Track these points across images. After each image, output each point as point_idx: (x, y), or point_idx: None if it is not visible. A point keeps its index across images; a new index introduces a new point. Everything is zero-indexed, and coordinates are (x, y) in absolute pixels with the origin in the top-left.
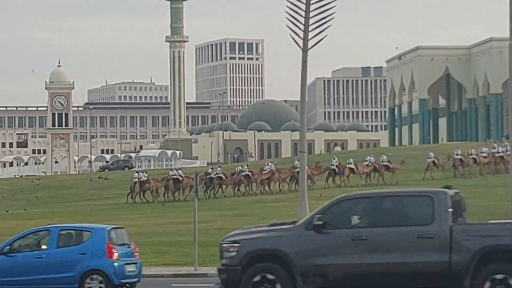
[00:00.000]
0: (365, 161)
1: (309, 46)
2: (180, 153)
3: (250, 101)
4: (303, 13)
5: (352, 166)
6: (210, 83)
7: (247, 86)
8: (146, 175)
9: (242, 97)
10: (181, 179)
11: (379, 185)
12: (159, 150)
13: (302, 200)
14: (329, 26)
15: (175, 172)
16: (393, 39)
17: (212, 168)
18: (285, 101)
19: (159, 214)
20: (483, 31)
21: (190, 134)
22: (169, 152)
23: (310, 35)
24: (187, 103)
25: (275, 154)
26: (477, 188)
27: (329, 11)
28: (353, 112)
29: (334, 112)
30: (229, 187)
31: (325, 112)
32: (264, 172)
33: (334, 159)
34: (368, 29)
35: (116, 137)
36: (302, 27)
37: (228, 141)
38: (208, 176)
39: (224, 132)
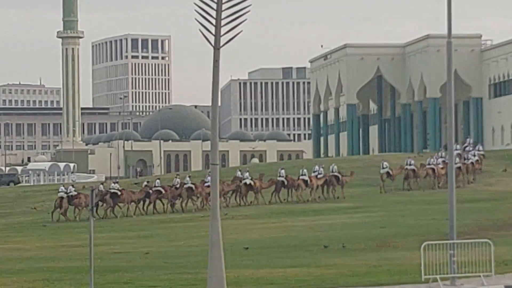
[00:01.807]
0: (314, 171)
1: (221, 43)
2: (74, 166)
3: (155, 106)
4: (214, 6)
5: (306, 178)
6: (109, 86)
7: (152, 89)
8: (74, 189)
9: (146, 102)
10: (77, 195)
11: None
12: (50, 163)
13: (213, 219)
14: (245, 20)
15: (70, 188)
16: (318, 36)
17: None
18: (195, 106)
19: (50, 236)
20: (419, 27)
21: (86, 144)
22: (62, 165)
23: (223, 30)
24: (82, 109)
25: (184, 166)
26: (417, 205)
27: (244, 3)
28: (272, 119)
29: (251, 119)
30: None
31: (241, 119)
32: (207, 184)
33: (282, 169)
34: (290, 24)
35: (0, 147)
36: (213, 21)
37: (130, 152)
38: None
39: (125, 142)
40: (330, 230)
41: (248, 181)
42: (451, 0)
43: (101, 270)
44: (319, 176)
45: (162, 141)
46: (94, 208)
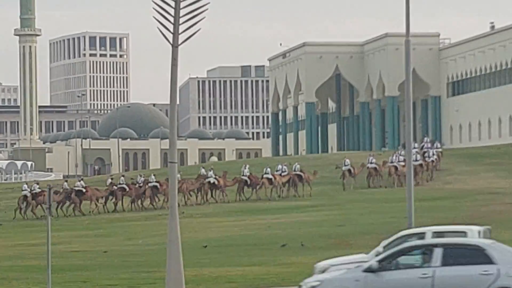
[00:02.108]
0: (277, 170)
1: (180, 41)
2: (32, 164)
3: (114, 104)
4: (173, 4)
5: (270, 176)
6: (66, 84)
7: (110, 87)
8: (38, 186)
9: (104, 100)
10: (40, 192)
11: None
12: (7, 161)
13: (172, 218)
14: (203, 18)
15: (34, 186)
16: (277, 34)
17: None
18: (154, 104)
19: (7, 235)
20: (378, 26)
21: (44, 143)
22: (19, 163)
23: (181, 28)
24: (40, 107)
25: (143, 165)
26: (375, 203)
27: (203, 1)
28: (231, 117)
29: (209, 118)
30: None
31: (199, 117)
32: None
33: (245, 168)
34: (249, 23)
35: None
36: (172, 19)
37: (88, 151)
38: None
39: (83, 140)
40: (289, 228)
41: (212, 180)
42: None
43: (59, 269)
44: (283, 174)
45: (120, 140)
46: (57, 206)
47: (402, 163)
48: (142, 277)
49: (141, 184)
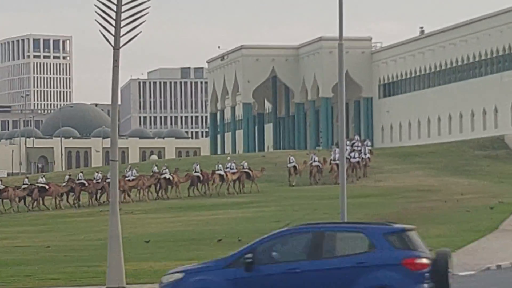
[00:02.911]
0: (226, 167)
1: (121, 44)
2: None
3: (57, 104)
4: (114, 7)
5: (222, 172)
6: (11, 84)
7: (54, 88)
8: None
9: (47, 100)
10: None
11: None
12: None
13: (113, 214)
14: (144, 21)
15: None
16: (216, 37)
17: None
18: (96, 104)
19: None
20: (312, 29)
21: None
22: None
23: (123, 31)
24: None
25: (85, 163)
26: (308, 199)
27: (143, 5)
28: (171, 117)
29: (150, 117)
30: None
31: (140, 117)
32: (128, 178)
33: (197, 165)
34: (188, 26)
35: None
36: (113, 22)
37: (32, 149)
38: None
39: (27, 139)
40: (226, 224)
41: (167, 176)
42: (342, 4)
43: (2, 264)
44: (231, 171)
45: (63, 138)
46: (19, 200)
47: (337, 162)
48: (84, 271)
49: (99, 180)
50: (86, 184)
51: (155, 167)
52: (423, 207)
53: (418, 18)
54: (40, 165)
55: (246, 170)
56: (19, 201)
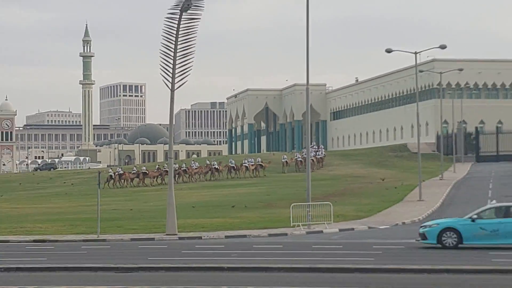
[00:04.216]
0: (245, 162)
1: (175, 87)
2: (88, 159)
3: (136, 124)
4: (171, 65)
5: (247, 164)
6: (109, 112)
7: (134, 113)
8: (121, 170)
9: (130, 121)
10: (123, 173)
11: (259, 178)
12: (74, 157)
13: (170, 190)
14: (189, 73)
15: (118, 169)
16: (231, 83)
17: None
18: (160, 124)
19: (74, 200)
20: (290, 78)
21: (96, 146)
22: (81, 158)
23: (176, 79)
24: (94, 125)
25: (153, 159)
26: (291, 182)
27: (189, 64)
28: (205, 132)
29: (192, 132)
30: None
31: (186, 132)
32: (193, 167)
33: (232, 160)
34: (214, 75)
35: (45, 147)
36: (170, 74)
37: (121, 151)
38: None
39: (119, 145)
40: (237, 196)
41: (216, 166)
42: (308, 65)
43: (106, 220)
44: (251, 164)
45: (140, 144)
46: (131, 180)
47: (314, 157)
48: (152, 224)
49: (166, 169)
50: (147, 172)
51: (207, 161)
52: (357, 186)
53: (354, 71)
54: (126, 161)
55: (260, 163)
56: (131, 181)
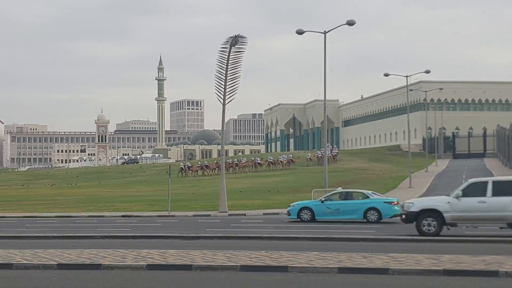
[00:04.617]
0: (280, 158)
1: (226, 102)
2: (161, 155)
3: (197, 130)
4: (223, 86)
5: (282, 159)
6: (177, 121)
7: (195, 122)
8: (189, 163)
9: (192, 128)
10: (191, 166)
11: (290, 170)
12: (151, 154)
13: (222, 178)
14: (236, 92)
15: (187, 163)
16: (267, 98)
17: (182, 163)
18: (214, 130)
19: (151, 187)
20: (311, 94)
21: (167, 146)
22: (156, 155)
23: (227, 97)
24: (165, 131)
25: (209, 156)
26: (313, 173)
27: (236, 85)
28: (248, 136)
29: (238, 136)
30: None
31: (234, 136)
32: (242, 161)
33: (271, 157)
34: (254, 92)
35: (130, 147)
36: (222, 92)
37: (186, 150)
38: (186, 165)
39: (184, 145)
40: (272, 184)
41: (258, 161)
42: (325, 83)
43: (175, 201)
44: (285, 159)
45: (199, 145)
46: (196, 171)
47: (329, 154)
48: (208, 204)
49: (231, 162)
50: (209, 165)
51: (252, 158)
52: (362, 177)
53: (359, 90)
54: (189, 157)
55: (291, 158)
56: (196, 172)
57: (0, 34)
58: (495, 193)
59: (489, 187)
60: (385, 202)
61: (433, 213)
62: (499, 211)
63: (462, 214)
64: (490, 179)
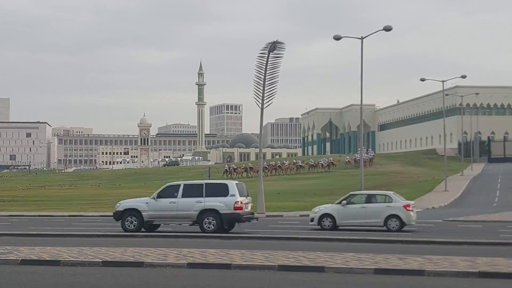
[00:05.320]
0: (320, 161)
1: (264, 107)
2: (201, 158)
3: (235, 133)
4: (261, 90)
5: (323, 162)
6: (216, 124)
7: (233, 126)
8: (234, 165)
9: (231, 131)
10: (236, 168)
11: (326, 172)
12: (191, 156)
13: (260, 180)
14: (274, 97)
15: (232, 165)
16: (304, 103)
17: (227, 165)
18: (252, 133)
19: None
20: (348, 99)
21: (207, 149)
22: (196, 158)
23: (265, 101)
24: (205, 134)
25: (247, 159)
26: (349, 176)
27: (274, 90)
28: (285, 139)
29: (276, 139)
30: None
31: (271, 139)
32: (285, 164)
33: (311, 160)
34: (291, 97)
35: (171, 150)
36: (260, 97)
37: (224, 152)
38: (231, 167)
39: (222, 148)
40: (309, 186)
41: (300, 163)
42: (362, 88)
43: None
44: (325, 162)
45: (238, 148)
46: (241, 173)
47: (367, 158)
48: None
49: (279, 165)
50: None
51: (294, 160)
52: (398, 180)
53: (395, 95)
54: (228, 160)
55: (332, 161)
56: (241, 174)
57: (48, 40)
58: (184, 195)
59: (180, 190)
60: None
61: (134, 211)
62: (186, 210)
63: (156, 213)
64: (182, 183)
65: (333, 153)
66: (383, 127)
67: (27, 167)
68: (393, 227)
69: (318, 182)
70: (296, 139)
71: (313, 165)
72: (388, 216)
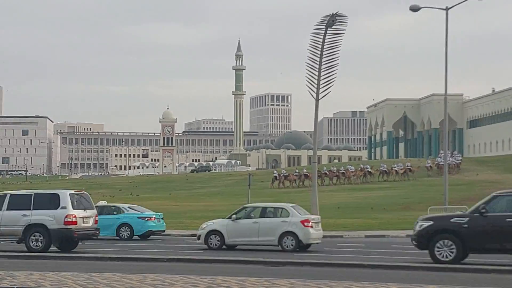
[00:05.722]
0: (394, 166)
1: (320, 97)
2: (239, 162)
3: (282, 131)
4: (316, 77)
5: (396, 168)
6: (258, 120)
7: (280, 121)
8: (285, 171)
9: (277, 128)
10: (288, 175)
11: (396, 182)
12: (227, 160)
13: (313, 191)
14: (332, 85)
15: (283, 171)
16: (371, 92)
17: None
18: (304, 131)
19: (224, 200)
20: (428, 87)
21: (246, 151)
22: (233, 161)
23: (320, 90)
24: (244, 132)
25: (297, 164)
26: (429, 186)
27: (333, 76)
28: (346, 138)
29: (334, 139)
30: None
31: (328, 139)
32: (350, 170)
33: (381, 165)
34: (355, 85)
35: (201, 152)
36: (315, 84)
37: (269, 155)
38: (282, 174)
39: (266, 150)
40: (376, 199)
41: (369, 169)
42: (447, 74)
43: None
44: (401, 167)
45: (285, 150)
46: (293, 182)
47: (453, 163)
48: None
49: (324, 171)
50: (309, 175)
51: (361, 165)
52: (493, 192)
53: (489, 82)
54: (273, 164)
55: (409, 167)
56: (294, 182)
57: (48, 18)
58: (10, 207)
59: (5, 201)
60: (138, 218)
61: None
62: (10, 226)
63: None
64: (8, 193)
65: (408, 157)
66: (473, 123)
67: (23, 172)
68: (287, 246)
69: (390, 193)
70: (360, 139)
71: (385, 171)
72: (283, 233)
